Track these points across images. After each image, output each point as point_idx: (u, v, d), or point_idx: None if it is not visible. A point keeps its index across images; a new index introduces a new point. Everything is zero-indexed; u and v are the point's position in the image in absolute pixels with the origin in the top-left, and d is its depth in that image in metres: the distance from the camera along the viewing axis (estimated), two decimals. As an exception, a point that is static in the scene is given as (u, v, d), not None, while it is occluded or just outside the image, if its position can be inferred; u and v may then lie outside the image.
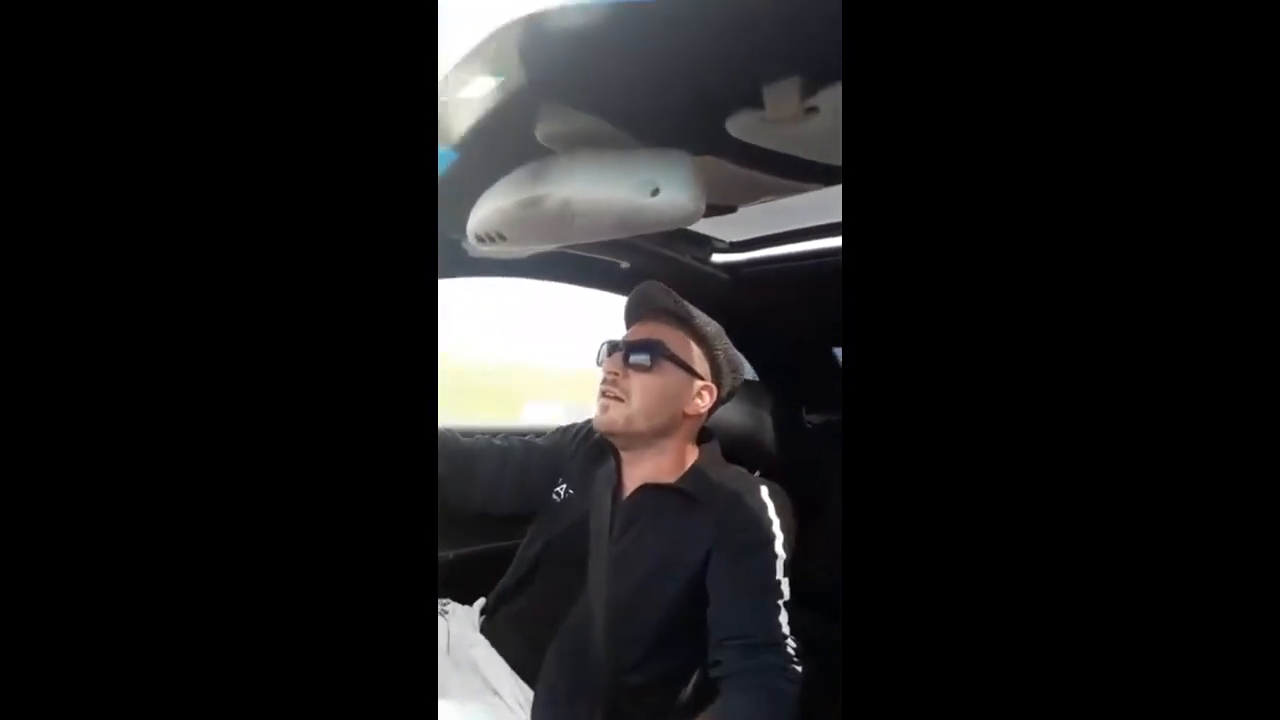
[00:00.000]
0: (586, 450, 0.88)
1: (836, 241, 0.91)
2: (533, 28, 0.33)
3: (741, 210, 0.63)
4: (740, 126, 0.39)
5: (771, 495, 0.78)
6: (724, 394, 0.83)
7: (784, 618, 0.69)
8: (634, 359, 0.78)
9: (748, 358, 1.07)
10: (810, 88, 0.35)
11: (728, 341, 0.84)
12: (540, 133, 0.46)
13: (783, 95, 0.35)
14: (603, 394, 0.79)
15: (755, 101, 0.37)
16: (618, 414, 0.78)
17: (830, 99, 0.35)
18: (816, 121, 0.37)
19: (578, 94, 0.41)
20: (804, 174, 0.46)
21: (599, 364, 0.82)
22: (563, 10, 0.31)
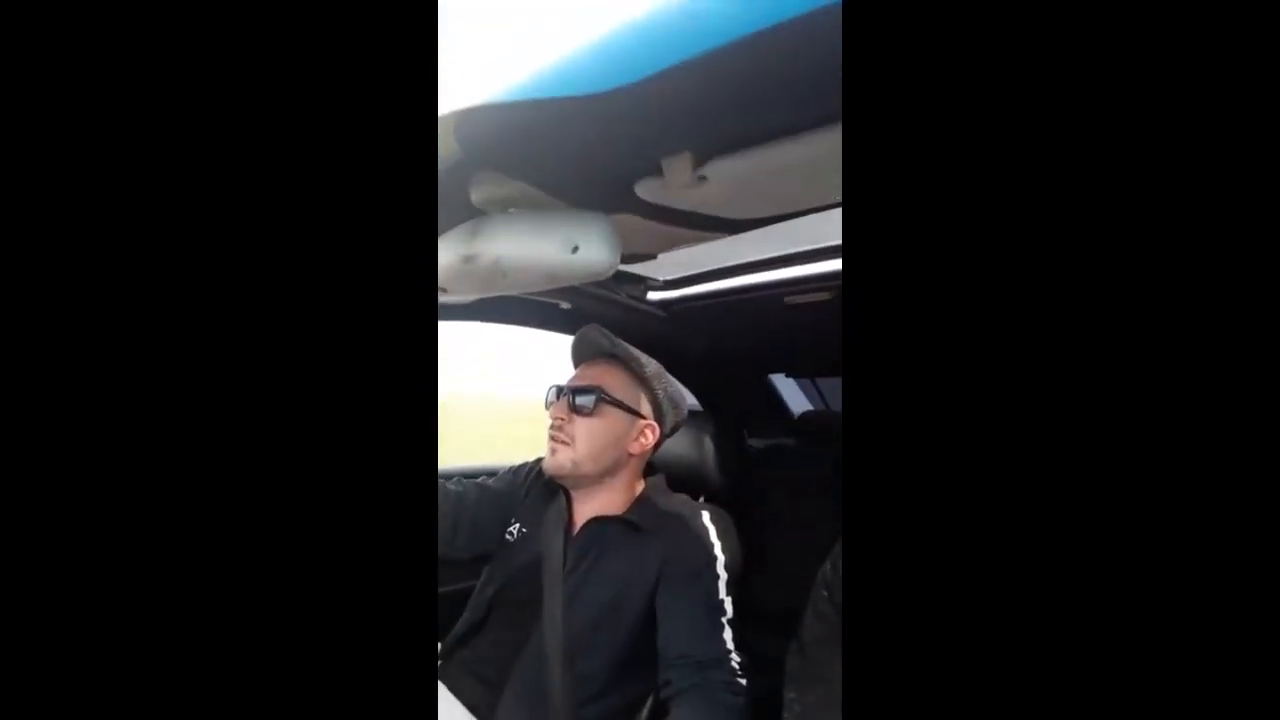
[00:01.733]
0: (538, 489, 0.90)
1: (764, 276, 0.99)
2: (468, 117, 0.38)
3: (663, 256, 0.69)
4: (647, 190, 0.45)
5: (714, 519, 0.82)
6: (667, 430, 0.87)
7: (728, 635, 0.72)
8: (578, 403, 0.81)
9: (687, 388, 1.12)
10: (699, 161, 0.41)
11: (669, 379, 0.87)
12: (474, 197, 0.51)
13: (678, 166, 0.42)
14: (551, 438, 0.82)
15: (657, 171, 0.43)
16: (565, 458, 0.81)
17: (716, 169, 0.41)
18: (708, 187, 0.43)
19: (507, 165, 0.46)
20: (707, 225, 0.53)
21: (547, 408, 0.85)
22: (492, 105, 0.36)
